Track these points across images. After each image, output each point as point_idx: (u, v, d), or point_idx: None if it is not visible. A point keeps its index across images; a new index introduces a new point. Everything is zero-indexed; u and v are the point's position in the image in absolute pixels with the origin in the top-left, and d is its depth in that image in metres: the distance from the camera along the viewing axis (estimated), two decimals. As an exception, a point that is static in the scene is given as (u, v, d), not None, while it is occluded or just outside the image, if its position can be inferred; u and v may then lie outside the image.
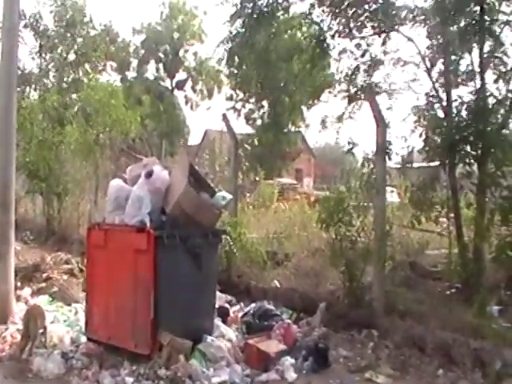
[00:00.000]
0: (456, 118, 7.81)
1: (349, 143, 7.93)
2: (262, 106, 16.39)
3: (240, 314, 7.70)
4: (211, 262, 6.71)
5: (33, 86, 24.29)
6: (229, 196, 6.89)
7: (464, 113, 7.75)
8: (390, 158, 7.33)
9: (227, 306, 8.05)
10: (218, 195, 6.75)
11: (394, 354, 6.52)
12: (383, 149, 7.29)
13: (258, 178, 14.89)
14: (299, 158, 32.02)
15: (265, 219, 12.50)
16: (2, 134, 7.90)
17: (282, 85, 14.16)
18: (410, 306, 7.07)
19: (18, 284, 8.99)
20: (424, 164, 8.39)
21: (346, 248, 7.58)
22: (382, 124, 7.31)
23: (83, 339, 6.78)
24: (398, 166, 8.27)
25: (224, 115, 10.10)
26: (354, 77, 9.52)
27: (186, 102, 40.33)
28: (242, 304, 8.34)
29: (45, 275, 9.90)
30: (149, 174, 6.34)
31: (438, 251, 9.04)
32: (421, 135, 7.93)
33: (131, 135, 14.87)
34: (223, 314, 7.48)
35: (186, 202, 6.29)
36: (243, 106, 15.76)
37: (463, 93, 7.94)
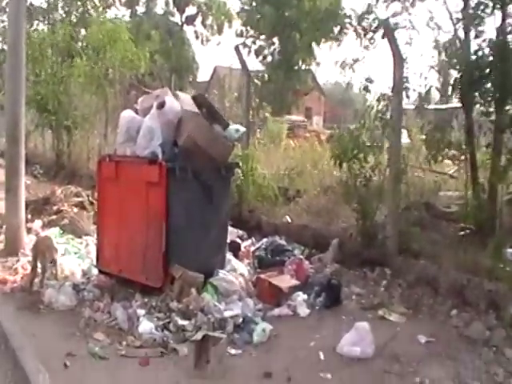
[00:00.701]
0: (476, 55, 7.49)
1: (366, 80, 7.65)
2: (273, 43, 16.01)
3: (252, 249, 7.64)
4: (223, 196, 6.57)
5: (41, 19, 23.79)
6: (242, 129, 6.71)
7: (485, 50, 7.43)
8: (407, 96, 7.08)
9: (238, 240, 7.97)
10: (231, 128, 6.56)
11: (406, 292, 6.43)
12: (400, 85, 7.04)
13: (267, 115, 14.61)
14: (309, 96, 31.62)
15: (274, 156, 12.29)
16: (11, 69, 7.80)
17: (293, 22, 13.75)
18: (424, 246, 6.93)
19: (29, 217, 8.96)
20: (440, 105, 8.15)
21: (360, 185, 7.41)
22: (399, 60, 7.03)
23: (94, 272, 6.75)
24: (413, 106, 8.03)
25: (237, 48, 9.79)
26: (370, 11, 9.13)
27: (197, 37, 39.56)
28: (253, 239, 8.27)
29: (55, 208, 9.86)
30: (161, 105, 6.14)
31: (452, 193, 8.87)
32: (439, 72, 7.64)
33: (140, 71, 14.53)
34: (234, 249, 7.40)
35: (198, 135, 6.13)
36: (253, 43, 15.36)
37: (484, 29, 7.60)
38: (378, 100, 7.36)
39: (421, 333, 5.42)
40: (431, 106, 7.97)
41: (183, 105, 6.30)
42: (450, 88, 7.61)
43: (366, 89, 7.70)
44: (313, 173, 10.93)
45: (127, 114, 6.56)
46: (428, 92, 7.65)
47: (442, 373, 4.69)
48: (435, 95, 7.90)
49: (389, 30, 7.38)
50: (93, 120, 15.85)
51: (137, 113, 6.59)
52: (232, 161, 7.24)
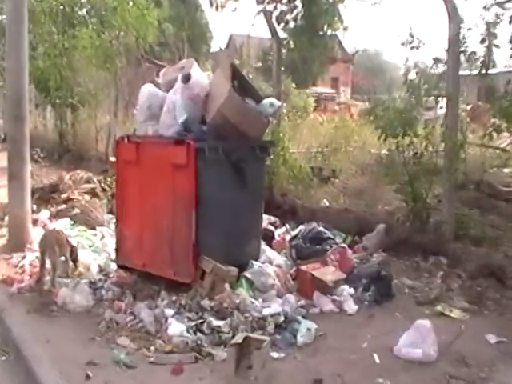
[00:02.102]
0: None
1: (411, 36, 7.38)
2: (296, 7, 15.70)
3: (287, 237, 7.50)
4: (258, 179, 6.44)
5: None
6: (277, 103, 6.52)
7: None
8: (468, 59, 6.83)
9: (271, 228, 7.86)
10: (265, 102, 6.38)
11: (467, 284, 6.27)
12: (456, 47, 6.81)
13: (293, 85, 14.49)
14: (336, 65, 31.35)
15: (301, 132, 12.14)
16: (12, 40, 7.61)
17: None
18: (485, 230, 6.75)
19: (34, 207, 8.85)
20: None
21: (409, 162, 7.21)
22: (455, 16, 6.80)
23: (113, 267, 6.67)
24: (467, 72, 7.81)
25: (265, 12, 9.61)
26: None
27: (211, 4, 39.30)
28: (288, 226, 8.15)
29: (64, 196, 9.84)
30: (186, 79, 5.98)
31: (509, 170, 8.69)
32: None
33: (149, 39, 14.36)
34: (268, 238, 7.30)
35: (229, 110, 5.95)
36: (275, 8, 15.03)
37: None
38: (432, 67, 7.11)
39: (489, 331, 5.24)
40: (494, 71, 7.68)
41: (213, 74, 6.16)
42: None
43: (415, 47, 7.39)
44: (348, 150, 10.78)
45: (148, 89, 6.44)
46: (489, 54, 7.35)
47: (520, 378, 4.52)
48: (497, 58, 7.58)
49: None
50: (101, 96, 15.74)
51: (159, 87, 6.48)
52: (266, 139, 7.09)
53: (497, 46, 7.21)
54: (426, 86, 7.29)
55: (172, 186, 5.88)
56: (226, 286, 5.65)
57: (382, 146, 8.19)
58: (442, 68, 7.15)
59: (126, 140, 6.44)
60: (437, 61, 7.12)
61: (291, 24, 15.51)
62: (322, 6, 12.95)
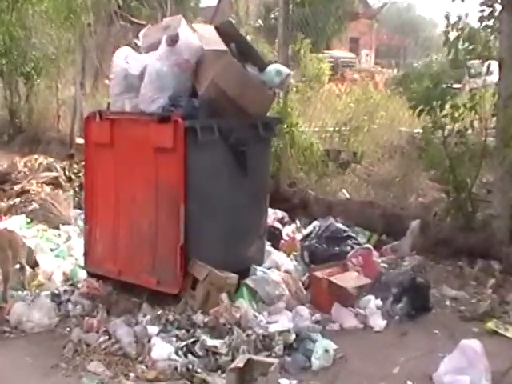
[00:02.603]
0: None
1: None
2: None
3: (298, 237, 7.58)
4: (261, 165, 6.52)
5: None
6: (285, 70, 6.55)
7: None
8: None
9: (278, 225, 7.92)
10: (270, 69, 6.40)
11: (527, 296, 6.34)
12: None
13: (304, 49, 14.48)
14: (356, 22, 31.35)
15: (314, 107, 12.18)
16: None
17: None
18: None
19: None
20: None
21: (451, 142, 7.27)
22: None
23: (82, 275, 6.70)
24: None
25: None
26: None
27: None
28: (299, 222, 8.25)
29: (17, 187, 9.79)
30: (173, 41, 6.01)
31: None
32: None
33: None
34: (274, 237, 7.38)
35: (226, 80, 6.01)
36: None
37: None
38: (481, 24, 7.14)
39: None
40: None
41: (203, 39, 6.18)
42: None
43: None
44: (372, 129, 10.83)
45: (125, 54, 6.41)
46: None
47: None
48: None
49: None
50: (63, 63, 15.75)
51: (138, 52, 6.49)
52: (272, 115, 7.13)
53: None
54: (471, 46, 7.31)
55: (155, 174, 5.91)
56: (223, 296, 5.69)
57: (416, 124, 8.22)
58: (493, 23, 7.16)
59: (97, 117, 6.43)
60: (488, 15, 7.13)
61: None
62: None
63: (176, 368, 5.01)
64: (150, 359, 5.12)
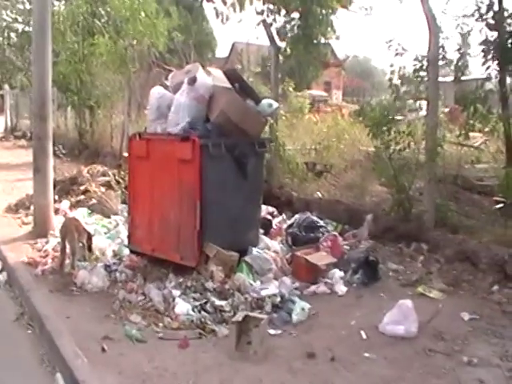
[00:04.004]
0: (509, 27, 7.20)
1: (397, 46, 7.35)
2: (293, 19, 15.56)
3: (284, 226, 7.46)
4: (257, 172, 6.39)
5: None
6: (275, 104, 6.50)
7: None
8: (449, 64, 6.81)
9: (269, 217, 7.80)
10: (264, 102, 6.34)
11: (445, 268, 6.25)
12: (436, 55, 6.79)
13: (290, 89, 14.39)
14: (328, 70, 31.20)
15: (297, 131, 12.09)
16: (38, 48, 7.67)
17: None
18: (461, 219, 6.73)
19: (56, 197, 8.84)
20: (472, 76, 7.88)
21: (394, 158, 7.21)
22: (434, 27, 6.76)
23: (126, 252, 6.61)
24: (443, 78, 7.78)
25: (264, 22, 9.56)
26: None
27: (217, 15, 39.18)
28: (284, 215, 8.09)
29: (82, 188, 9.76)
30: (192, 81, 5.94)
31: (483, 165, 8.65)
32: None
33: (159, 47, 14.31)
34: (266, 226, 7.23)
35: (231, 110, 5.93)
36: (274, 20, 14.96)
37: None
38: (415, 71, 7.08)
39: (463, 310, 5.25)
40: (467, 77, 7.67)
41: (215, 80, 6.12)
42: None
43: (400, 54, 7.37)
44: (339, 147, 10.73)
45: (157, 91, 6.39)
46: (464, 61, 7.33)
47: (489, 351, 4.51)
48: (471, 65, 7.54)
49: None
50: (115, 98, 15.72)
51: (167, 89, 6.43)
52: (265, 137, 7.05)
53: (469, 55, 7.27)
54: (408, 89, 7.28)
55: (178, 179, 5.84)
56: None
57: (370, 143, 8.16)
58: (423, 74, 7.11)
59: (137, 137, 6.40)
60: (418, 68, 7.08)
61: (289, 34, 15.36)
62: (317, 16, 12.90)
63: (192, 320, 4.97)
64: (174, 314, 5.08)
